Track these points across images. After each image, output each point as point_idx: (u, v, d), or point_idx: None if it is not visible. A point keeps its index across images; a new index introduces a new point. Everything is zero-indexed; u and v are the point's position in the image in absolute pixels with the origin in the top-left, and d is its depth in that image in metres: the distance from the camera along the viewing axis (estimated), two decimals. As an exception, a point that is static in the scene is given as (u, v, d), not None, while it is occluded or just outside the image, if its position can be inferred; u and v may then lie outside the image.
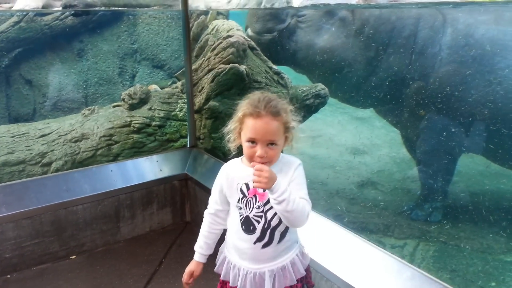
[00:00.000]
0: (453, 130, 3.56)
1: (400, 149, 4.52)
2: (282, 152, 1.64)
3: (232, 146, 1.67)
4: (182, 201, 3.66)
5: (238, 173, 1.65)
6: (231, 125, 1.64)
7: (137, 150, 3.79)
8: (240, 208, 1.63)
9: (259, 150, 1.52)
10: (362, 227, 3.69)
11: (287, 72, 4.22)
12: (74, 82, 5.59)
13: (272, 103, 1.55)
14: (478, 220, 3.68)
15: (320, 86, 4.19)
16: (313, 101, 4.16)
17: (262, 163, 1.52)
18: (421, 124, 3.73)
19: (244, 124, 1.57)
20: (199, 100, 3.90)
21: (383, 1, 3.42)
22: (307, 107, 4.16)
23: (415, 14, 3.64)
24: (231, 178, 1.66)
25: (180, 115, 4.04)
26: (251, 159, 1.55)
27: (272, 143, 1.54)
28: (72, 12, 5.33)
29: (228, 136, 1.66)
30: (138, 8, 5.42)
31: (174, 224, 3.66)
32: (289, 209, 1.48)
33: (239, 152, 1.70)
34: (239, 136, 1.62)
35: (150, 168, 3.58)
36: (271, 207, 1.58)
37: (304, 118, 4.25)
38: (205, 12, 4.44)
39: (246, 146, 1.56)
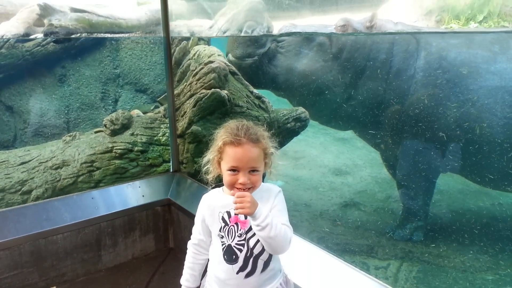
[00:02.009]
0: (430, 150, 3.64)
1: (381, 169, 4.59)
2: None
3: (210, 177, 1.66)
4: (165, 227, 3.63)
5: (219, 202, 1.65)
6: (210, 155, 1.63)
7: (119, 176, 3.76)
8: (222, 237, 1.62)
9: (241, 177, 1.52)
10: (346, 249, 3.70)
11: (268, 95, 4.28)
12: (56, 108, 5.56)
13: (251, 130, 1.57)
14: (459, 238, 3.73)
15: (301, 109, 4.25)
16: (294, 124, 4.22)
17: (245, 189, 1.52)
18: (399, 145, 3.81)
19: (224, 153, 1.57)
20: (181, 124, 3.92)
21: (360, 28, 3.52)
22: (288, 131, 4.21)
23: (390, 39, 3.75)
24: (212, 207, 1.66)
25: (163, 140, 4.04)
26: (232, 186, 1.55)
27: (254, 170, 1.54)
28: (54, 38, 5.34)
29: (205, 168, 1.66)
30: (119, 35, 5.46)
31: (157, 251, 3.61)
32: (272, 234, 1.48)
33: (217, 184, 1.70)
34: (218, 166, 1.62)
35: (133, 194, 3.55)
36: (253, 235, 1.58)
37: (286, 141, 4.30)
38: (187, 38, 4.51)
39: (227, 174, 1.56)
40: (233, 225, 1.61)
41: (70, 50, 5.66)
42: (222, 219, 1.63)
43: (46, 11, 5.22)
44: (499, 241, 3.63)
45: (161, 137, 4.04)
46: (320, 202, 4.62)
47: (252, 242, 1.59)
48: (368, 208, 4.42)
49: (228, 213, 1.62)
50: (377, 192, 4.81)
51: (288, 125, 4.21)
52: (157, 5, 3.62)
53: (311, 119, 4.32)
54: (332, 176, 5.49)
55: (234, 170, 1.54)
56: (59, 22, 5.13)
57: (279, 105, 4.49)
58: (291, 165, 5.68)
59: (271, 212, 1.56)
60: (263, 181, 1.65)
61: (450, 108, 3.49)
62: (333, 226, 4.06)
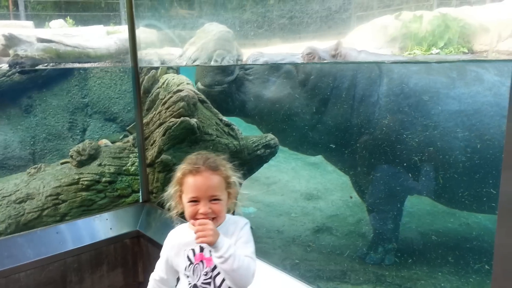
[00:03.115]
0: (396, 173, 3.72)
1: (351, 193, 4.64)
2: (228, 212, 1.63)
3: (173, 213, 1.62)
4: (134, 260, 3.52)
5: (185, 239, 1.60)
6: (171, 189, 1.60)
7: (86, 209, 3.66)
8: (188, 277, 1.57)
9: (202, 207, 1.48)
10: (319, 275, 3.68)
11: (237, 122, 4.31)
12: (21, 139, 5.41)
13: (210, 159, 1.56)
14: (429, 259, 3.79)
15: (270, 136, 4.29)
16: (263, 151, 4.24)
17: (208, 219, 1.48)
18: (366, 169, 3.88)
19: (184, 185, 1.54)
20: (151, 153, 3.87)
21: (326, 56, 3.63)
22: (258, 158, 4.23)
23: (354, 66, 3.88)
24: (177, 245, 1.61)
25: (132, 170, 3.97)
26: (193, 217, 1.50)
27: (215, 199, 1.51)
28: (20, 69, 5.25)
29: (168, 204, 1.62)
30: (88, 64, 5.43)
31: (126, 286, 3.49)
32: (235, 266, 1.44)
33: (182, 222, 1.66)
34: (180, 200, 1.58)
35: (100, 227, 3.45)
36: (220, 272, 1.53)
37: (256, 168, 4.31)
38: (156, 67, 4.52)
39: (188, 205, 1.52)
40: (198, 263, 1.56)
41: (37, 80, 5.57)
42: (187, 257, 1.58)
43: (11, 41, 5.15)
44: (468, 261, 3.70)
45: (130, 167, 3.98)
46: (292, 228, 4.61)
47: (218, 280, 1.54)
48: (340, 232, 4.44)
49: (193, 251, 1.57)
50: (348, 216, 4.86)
51: (258, 152, 4.23)
52: (127, 34, 3.62)
53: (281, 145, 4.36)
54: (304, 201, 5.51)
55: (194, 200, 1.50)
56: (25, 53, 5.07)
57: (248, 132, 4.51)
58: (263, 191, 5.68)
59: (236, 244, 1.53)
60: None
61: (414, 132, 3.61)
62: (306, 252, 4.04)
